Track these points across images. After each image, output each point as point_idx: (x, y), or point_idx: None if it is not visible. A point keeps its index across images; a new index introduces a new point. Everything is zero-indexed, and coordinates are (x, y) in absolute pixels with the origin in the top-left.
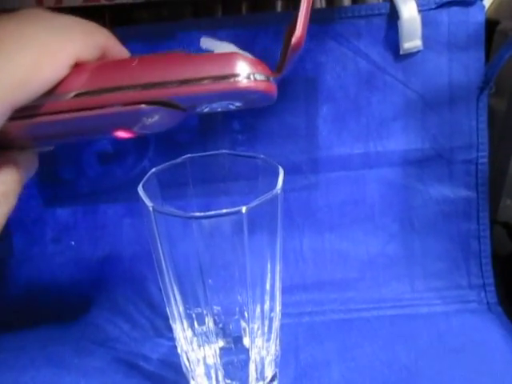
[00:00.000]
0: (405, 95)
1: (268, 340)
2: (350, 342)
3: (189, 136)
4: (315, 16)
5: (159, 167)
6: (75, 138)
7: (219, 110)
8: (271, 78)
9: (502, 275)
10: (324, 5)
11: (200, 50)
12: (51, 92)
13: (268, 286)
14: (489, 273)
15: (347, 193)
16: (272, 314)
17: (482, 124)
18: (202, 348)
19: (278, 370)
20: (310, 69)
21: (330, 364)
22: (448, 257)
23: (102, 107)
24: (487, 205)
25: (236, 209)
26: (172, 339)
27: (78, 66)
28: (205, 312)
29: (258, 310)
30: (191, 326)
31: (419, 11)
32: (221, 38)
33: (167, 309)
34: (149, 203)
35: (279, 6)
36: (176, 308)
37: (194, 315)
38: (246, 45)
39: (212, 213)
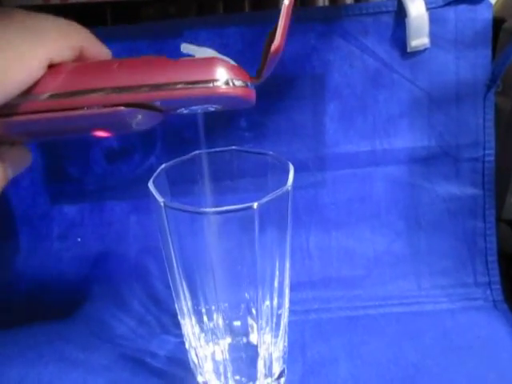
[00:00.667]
0: (411, 93)
1: (276, 336)
2: (357, 339)
3: (196, 133)
4: (322, 14)
5: (168, 163)
6: (57, 136)
7: (199, 111)
8: (249, 84)
9: (507, 273)
10: (327, 3)
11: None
12: (27, 92)
13: (276, 283)
14: (495, 271)
15: (354, 190)
16: (280, 311)
17: (488, 122)
18: (210, 344)
19: (285, 367)
20: (317, 66)
21: (337, 361)
22: (454, 255)
23: (77, 109)
24: (493, 202)
25: (247, 204)
26: (179, 336)
27: (55, 67)
28: (213, 308)
29: (267, 306)
30: (200, 322)
31: (427, 9)
32: (227, 36)
33: (176, 305)
34: (160, 199)
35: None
36: (185, 304)
37: (202, 311)
38: (252, 42)
39: (223, 208)
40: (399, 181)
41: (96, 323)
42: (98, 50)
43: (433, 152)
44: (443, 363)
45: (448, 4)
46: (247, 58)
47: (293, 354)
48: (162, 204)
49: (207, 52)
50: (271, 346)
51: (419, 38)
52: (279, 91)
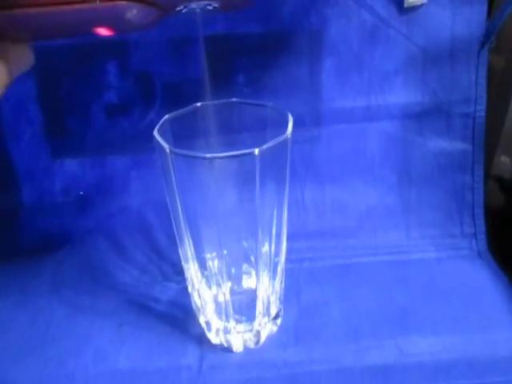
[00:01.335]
0: (407, 49)
1: (273, 279)
2: (349, 284)
3: (195, 89)
4: None
5: (171, 114)
6: (58, 33)
7: (198, 11)
8: None
9: (493, 226)
10: None
11: None
12: None
13: (274, 232)
14: (480, 221)
15: (348, 145)
16: (277, 258)
17: (481, 79)
18: (212, 287)
19: (282, 307)
20: (315, 22)
21: (330, 304)
22: (443, 207)
23: (81, 2)
24: (482, 157)
25: (249, 150)
26: (180, 282)
27: None
28: (215, 255)
29: (265, 253)
30: (202, 267)
31: None
32: None
33: (180, 250)
34: (165, 145)
35: None
36: (189, 249)
37: (205, 257)
38: None
39: (227, 154)
40: (392, 136)
41: (100, 272)
42: None
43: (426, 108)
44: (429, 306)
45: None
46: None
47: (288, 299)
48: (168, 151)
49: None
50: (269, 289)
51: None
52: (277, 47)
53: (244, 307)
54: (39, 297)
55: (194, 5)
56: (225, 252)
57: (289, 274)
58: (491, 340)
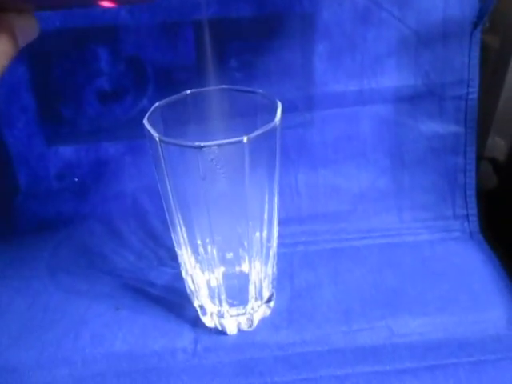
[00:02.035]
0: (399, 31)
1: (265, 264)
2: (341, 267)
3: (187, 74)
4: None
5: (162, 102)
6: (63, 4)
7: None
8: None
9: (486, 207)
10: None
11: None
12: None
13: (266, 217)
14: (473, 204)
15: (341, 129)
16: (269, 243)
17: (473, 60)
18: (205, 273)
19: (274, 291)
20: (307, 5)
21: (323, 286)
22: (435, 189)
23: None
24: (474, 140)
25: (238, 138)
26: (175, 268)
27: None
28: (208, 241)
29: (257, 238)
30: (195, 253)
31: None
32: None
33: (173, 236)
34: (155, 134)
35: None
36: (181, 236)
37: (197, 243)
38: None
39: (216, 142)
40: (385, 119)
41: (96, 257)
42: None
43: (418, 91)
44: (420, 287)
45: None
46: None
47: (282, 282)
48: (158, 140)
49: None
50: (261, 274)
51: None
52: (269, 31)
53: (237, 291)
54: (36, 281)
55: None
56: (217, 238)
57: (282, 257)
58: (480, 320)
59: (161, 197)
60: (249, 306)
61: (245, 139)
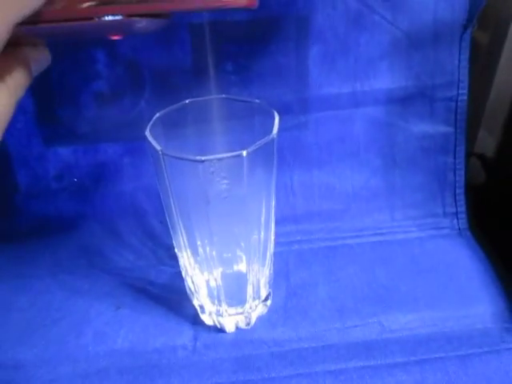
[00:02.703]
0: (391, 34)
1: (263, 265)
2: (335, 265)
3: (184, 77)
4: None
5: (162, 112)
6: (75, 39)
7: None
8: None
9: (474, 203)
10: None
11: None
12: (47, 3)
13: (263, 219)
14: (462, 202)
15: (335, 131)
16: (266, 244)
17: (463, 62)
18: (204, 273)
19: (271, 291)
20: (301, 8)
21: (317, 285)
22: (426, 188)
23: (95, 18)
24: (464, 139)
25: (237, 152)
26: (174, 267)
27: None
28: (207, 242)
29: (254, 240)
30: (195, 254)
31: None
32: None
33: (173, 239)
34: (157, 147)
35: None
36: (181, 239)
37: (197, 245)
38: None
39: (217, 156)
40: (377, 121)
41: (96, 257)
42: None
43: (409, 92)
44: (410, 284)
45: None
46: None
47: (278, 280)
48: (160, 153)
49: None
50: (258, 274)
51: None
52: (264, 34)
53: (235, 291)
54: (38, 281)
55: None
56: (217, 239)
57: (278, 256)
58: (467, 314)
59: (159, 197)
60: (247, 306)
61: (244, 153)
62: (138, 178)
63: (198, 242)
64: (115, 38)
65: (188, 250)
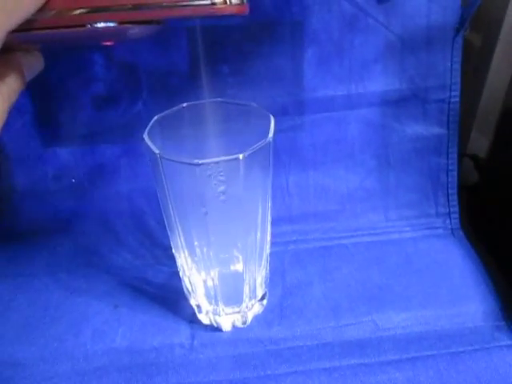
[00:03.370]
0: (385, 37)
1: (259, 265)
2: (330, 265)
3: (180, 80)
4: None
5: (160, 115)
6: (68, 45)
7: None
8: (245, 0)
9: (467, 203)
10: None
11: None
12: (41, 10)
13: (259, 220)
14: (454, 202)
15: (330, 133)
16: (262, 244)
17: (456, 64)
18: (201, 273)
19: (267, 290)
20: (297, 12)
21: (313, 284)
22: (419, 189)
23: (87, 24)
24: (456, 141)
25: (234, 156)
26: (171, 266)
27: None
28: (204, 243)
29: (251, 240)
30: (192, 254)
31: None
32: None
33: (170, 240)
34: (156, 151)
35: None
36: (179, 240)
37: (194, 245)
38: None
39: (214, 160)
40: (372, 123)
41: (94, 256)
42: None
43: (403, 94)
44: (403, 283)
45: None
46: None
47: (274, 280)
48: (158, 156)
49: None
50: (255, 273)
51: None
52: (260, 38)
53: (232, 291)
54: (36, 280)
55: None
56: (214, 240)
57: (274, 256)
58: (459, 313)
59: (156, 197)
60: (243, 305)
61: (240, 156)
62: (135, 179)
63: (196, 243)
64: (108, 44)
65: (185, 251)
